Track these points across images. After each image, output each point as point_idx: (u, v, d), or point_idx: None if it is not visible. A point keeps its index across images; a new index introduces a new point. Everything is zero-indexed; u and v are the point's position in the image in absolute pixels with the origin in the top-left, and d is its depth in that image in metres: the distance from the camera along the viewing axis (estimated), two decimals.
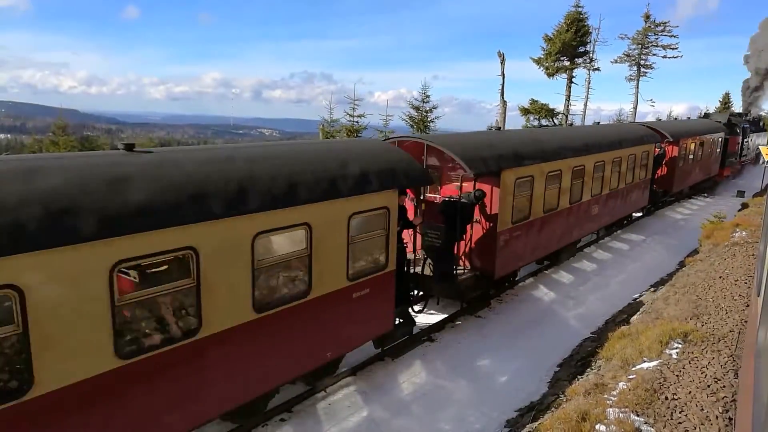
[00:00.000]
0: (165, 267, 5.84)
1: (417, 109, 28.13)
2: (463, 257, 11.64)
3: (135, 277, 5.68)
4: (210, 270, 5.97)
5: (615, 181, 17.45)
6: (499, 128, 14.66)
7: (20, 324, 4.61)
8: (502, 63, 33.03)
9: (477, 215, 11.48)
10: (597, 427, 6.20)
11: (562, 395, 8.33)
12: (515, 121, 41.78)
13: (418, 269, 10.83)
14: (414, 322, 10.26)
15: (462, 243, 11.40)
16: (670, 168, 23.15)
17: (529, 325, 11.68)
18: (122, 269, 5.35)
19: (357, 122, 26.08)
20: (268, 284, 6.89)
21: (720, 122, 30.99)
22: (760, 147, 26.72)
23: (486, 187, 11.34)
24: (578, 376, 9.21)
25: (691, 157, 25.04)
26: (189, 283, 5.85)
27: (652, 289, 14.12)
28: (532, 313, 12.30)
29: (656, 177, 22.32)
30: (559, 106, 38.27)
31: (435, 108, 28.21)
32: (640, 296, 13.85)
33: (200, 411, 6.31)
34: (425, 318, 11.23)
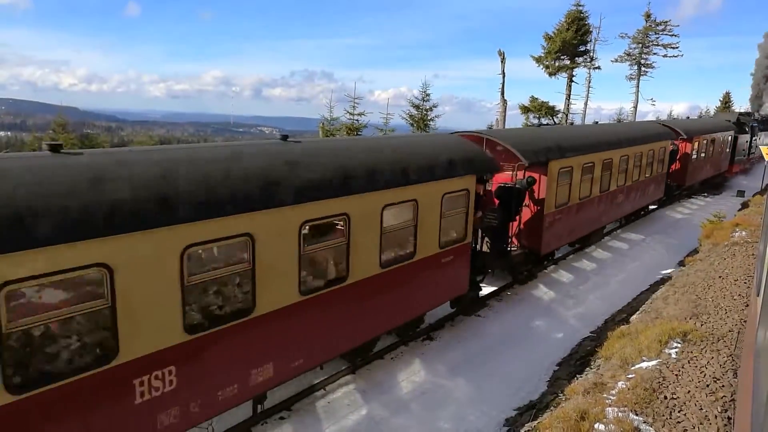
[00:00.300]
0: (329, 228, 7.76)
1: (417, 107, 28.04)
2: (513, 236, 12.98)
3: None
4: (356, 232, 7.83)
5: (636, 174, 18.79)
6: (540, 125, 16.34)
7: (251, 262, 6.41)
8: (502, 62, 33.02)
9: (527, 200, 12.97)
10: (596, 426, 6.21)
11: (561, 394, 8.34)
12: (515, 120, 41.80)
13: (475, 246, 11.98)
14: (480, 288, 11.99)
15: (513, 224, 12.75)
16: (683, 164, 23.94)
17: (528, 323, 11.68)
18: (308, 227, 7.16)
19: (357, 120, 26.00)
20: (388, 246, 8.69)
21: (730, 121, 31.40)
22: (760, 147, 26.75)
23: (534, 176, 12.78)
24: (577, 375, 9.22)
25: (702, 154, 25.83)
26: (343, 242, 7.74)
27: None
28: (532, 312, 12.30)
29: (670, 172, 22.90)
30: (559, 105, 38.29)
31: (435, 106, 28.13)
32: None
33: (340, 343, 8.06)
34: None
